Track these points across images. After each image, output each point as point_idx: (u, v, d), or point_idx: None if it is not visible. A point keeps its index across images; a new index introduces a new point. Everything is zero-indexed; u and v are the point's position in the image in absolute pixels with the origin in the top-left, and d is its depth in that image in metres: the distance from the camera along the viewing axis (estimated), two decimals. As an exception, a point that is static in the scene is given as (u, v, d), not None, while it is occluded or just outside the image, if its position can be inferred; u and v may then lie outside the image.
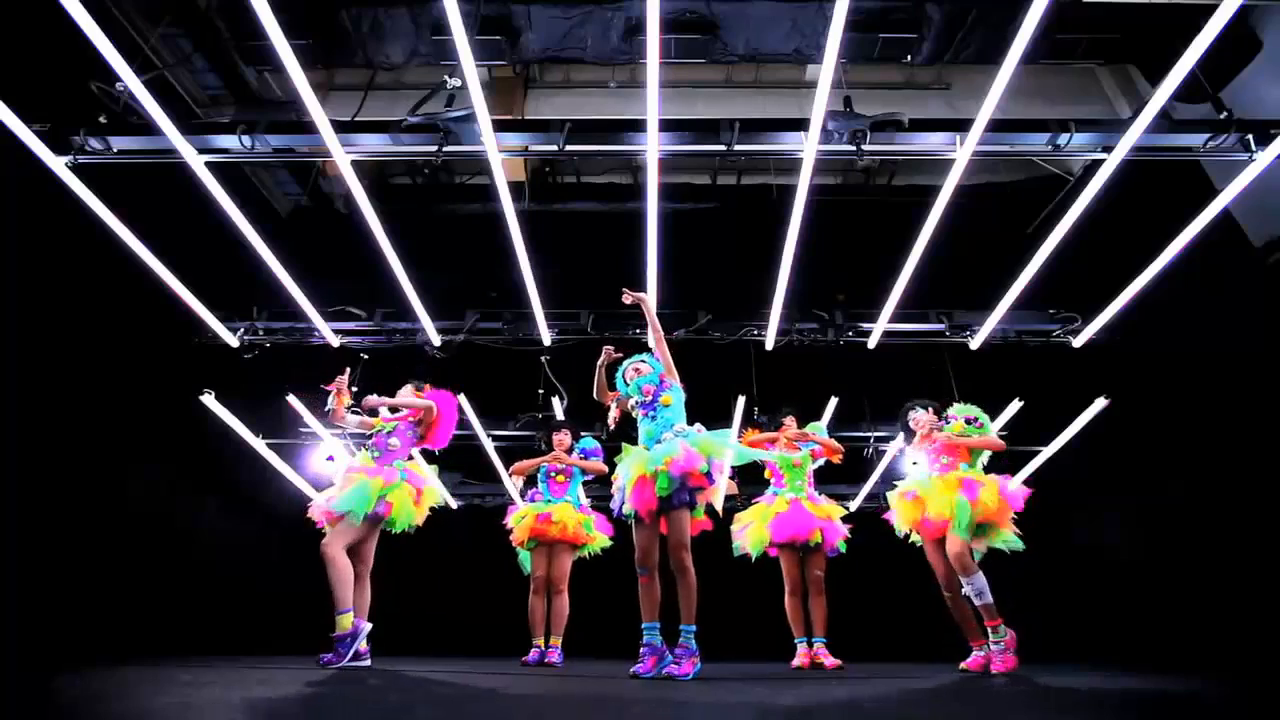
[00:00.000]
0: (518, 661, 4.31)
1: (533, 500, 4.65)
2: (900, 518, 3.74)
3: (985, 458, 3.80)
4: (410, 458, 3.77)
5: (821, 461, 4.71)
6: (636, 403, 3.34)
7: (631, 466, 3.09)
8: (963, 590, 3.46)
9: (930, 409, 3.94)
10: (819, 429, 4.84)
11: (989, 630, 3.41)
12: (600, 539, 4.57)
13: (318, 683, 2.40)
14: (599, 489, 5.59)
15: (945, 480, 3.57)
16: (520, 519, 4.49)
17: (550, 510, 4.44)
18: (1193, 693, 2.40)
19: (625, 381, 3.46)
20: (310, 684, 2.34)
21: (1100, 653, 6.16)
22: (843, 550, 4.45)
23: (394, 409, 3.79)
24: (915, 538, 3.78)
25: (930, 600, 3.88)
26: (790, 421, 4.72)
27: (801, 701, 2.03)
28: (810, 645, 4.42)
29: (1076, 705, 2.03)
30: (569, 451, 4.70)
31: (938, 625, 4.06)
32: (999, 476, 3.62)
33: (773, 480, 4.68)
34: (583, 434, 4.89)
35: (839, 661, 4.32)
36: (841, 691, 2.40)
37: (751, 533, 4.48)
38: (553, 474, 4.63)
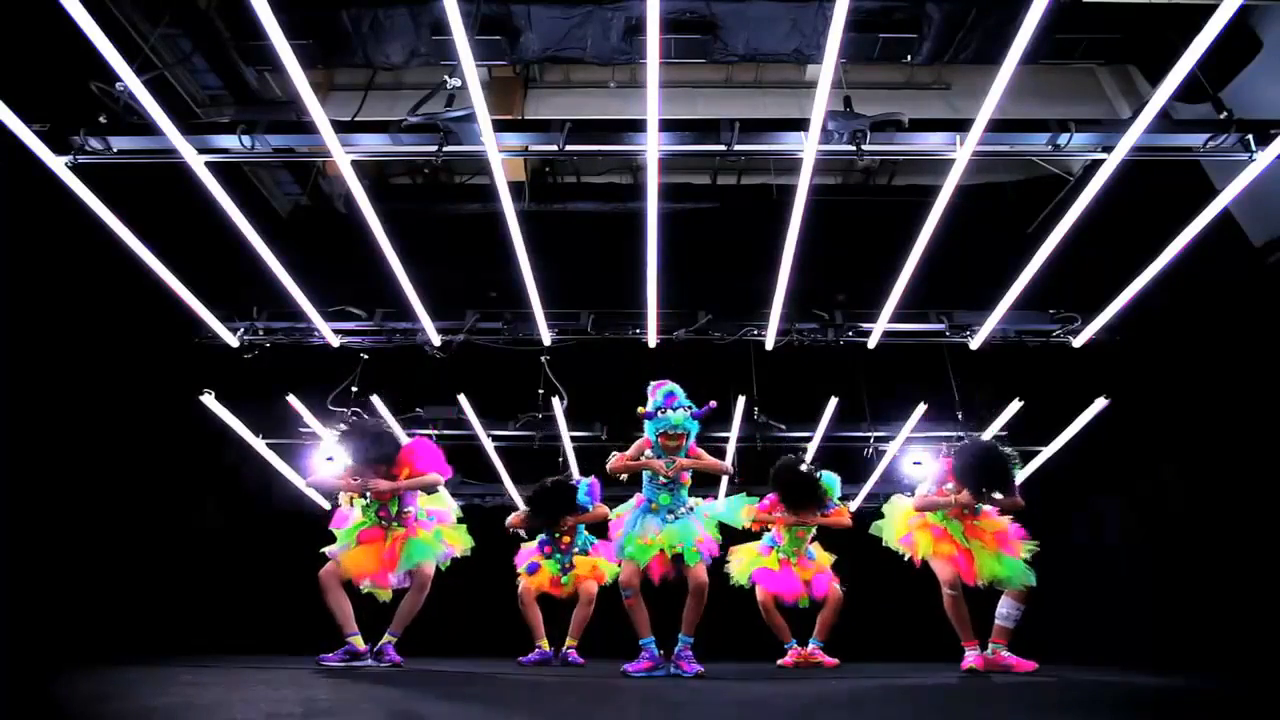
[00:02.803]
0: (515, 661, 4.33)
1: (542, 548, 4.67)
2: (919, 548, 3.68)
3: None
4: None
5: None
6: (660, 479, 3.45)
7: (655, 538, 3.30)
8: (1000, 607, 3.53)
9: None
10: (830, 486, 4.66)
11: (995, 645, 3.52)
12: (611, 569, 4.57)
13: (318, 683, 2.40)
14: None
15: (982, 539, 3.61)
16: (530, 565, 4.58)
17: (562, 574, 4.54)
18: (1193, 692, 2.40)
19: (658, 443, 3.45)
20: (310, 684, 2.34)
21: (1100, 653, 6.16)
22: (838, 592, 4.57)
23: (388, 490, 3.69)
24: (914, 554, 3.79)
25: (930, 600, 3.89)
26: (811, 510, 4.56)
27: (802, 701, 2.03)
28: (805, 645, 4.49)
29: (1077, 704, 2.03)
30: (572, 532, 4.71)
31: (938, 625, 4.07)
32: (1004, 520, 3.72)
33: (771, 533, 4.70)
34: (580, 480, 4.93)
35: (836, 660, 4.36)
36: (842, 691, 2.40)
37: (739, 569, 4.63)
38: (556, 535, 4.67)
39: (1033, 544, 3.67)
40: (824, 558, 4.66)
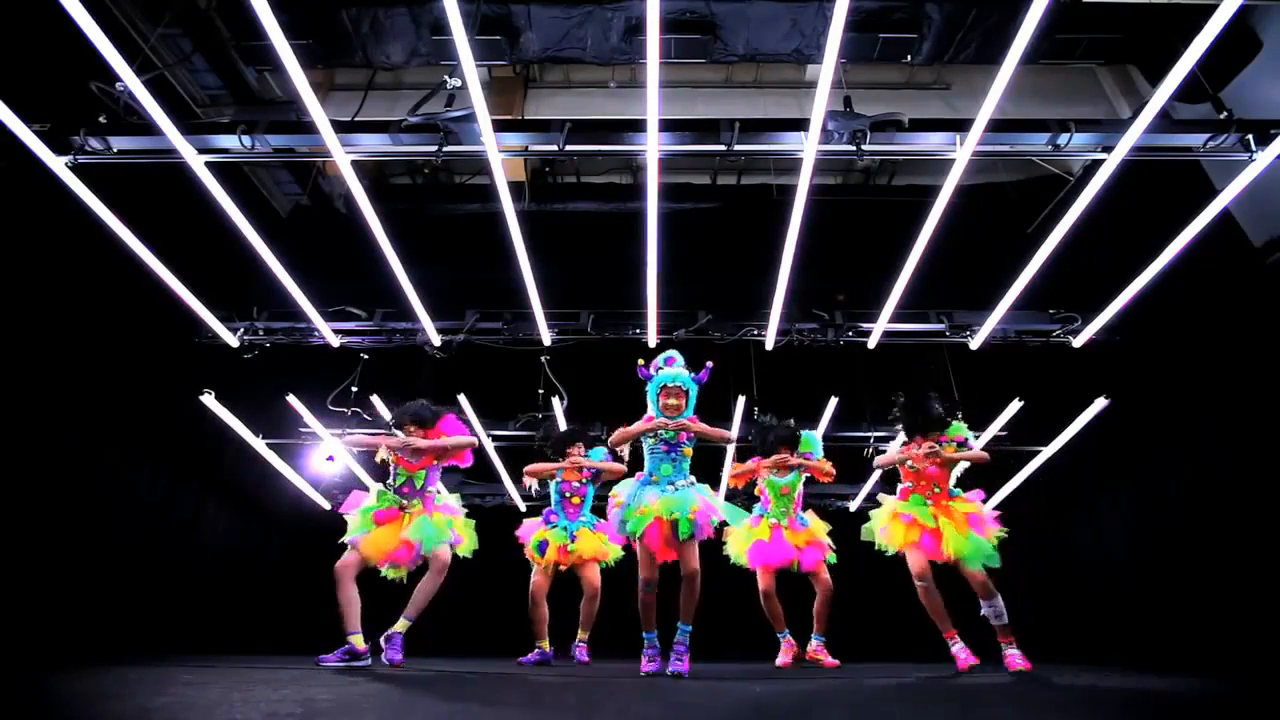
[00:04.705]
0: (516, 661, 4.31)
1: (549, 520, 4.56)
2: (893, 538, 3.73)
3: (962, 467, 3.95)
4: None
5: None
6: (659, 438, 3.42)
7: (651, 505, 3.24)
8: (982, 611, 3.53)
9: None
10: (811, 442, 4.75)
11: (1003, 644, 3.48)
12: (615, 550, 4.54)
13: (318, 682, 2.40)
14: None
15: (952, 518, 3.64)
16: (538, 543, 4.46)
17: (569, 540, 4.43)
18: (1193, 691, 2.40)
19: (660, 405, 3.43)
20: (310, 684, 2.34)
21: (1100, 653, 6.17)
22: (832, 561, 4.53)
23: (416, 452, 3.84)
24: (890, 546, 3.79)
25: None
26: (784, 453, 4.61)
27: (802, 701, 2.03)
28: (805, 642, 4.47)
29: (1077, 704, 2.03)
30: (581, 494, 4.65)
31: (932, 623, 4.09)
32: (977, 502, 3.78)
33: (760, 501, 4.69)
34: (595, 445, 4.85)
35: (837, 661, 4.35)
36: (842, 690, 2.40)
37: (733, 548, 4.59)
38: (567, 494, 4.57)
39: (1002, 530, 3.69)
40: (818, 525, 4.62)
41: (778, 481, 4.59)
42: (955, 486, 3.86)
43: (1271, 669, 3.89)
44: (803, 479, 4.69)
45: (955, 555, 3.53)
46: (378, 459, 3.84)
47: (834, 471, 4.62)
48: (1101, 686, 2.64)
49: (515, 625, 4.66)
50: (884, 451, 7.01)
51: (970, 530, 3.59)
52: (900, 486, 3.94)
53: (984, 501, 3.91)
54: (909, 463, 3.84)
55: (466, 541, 3.89)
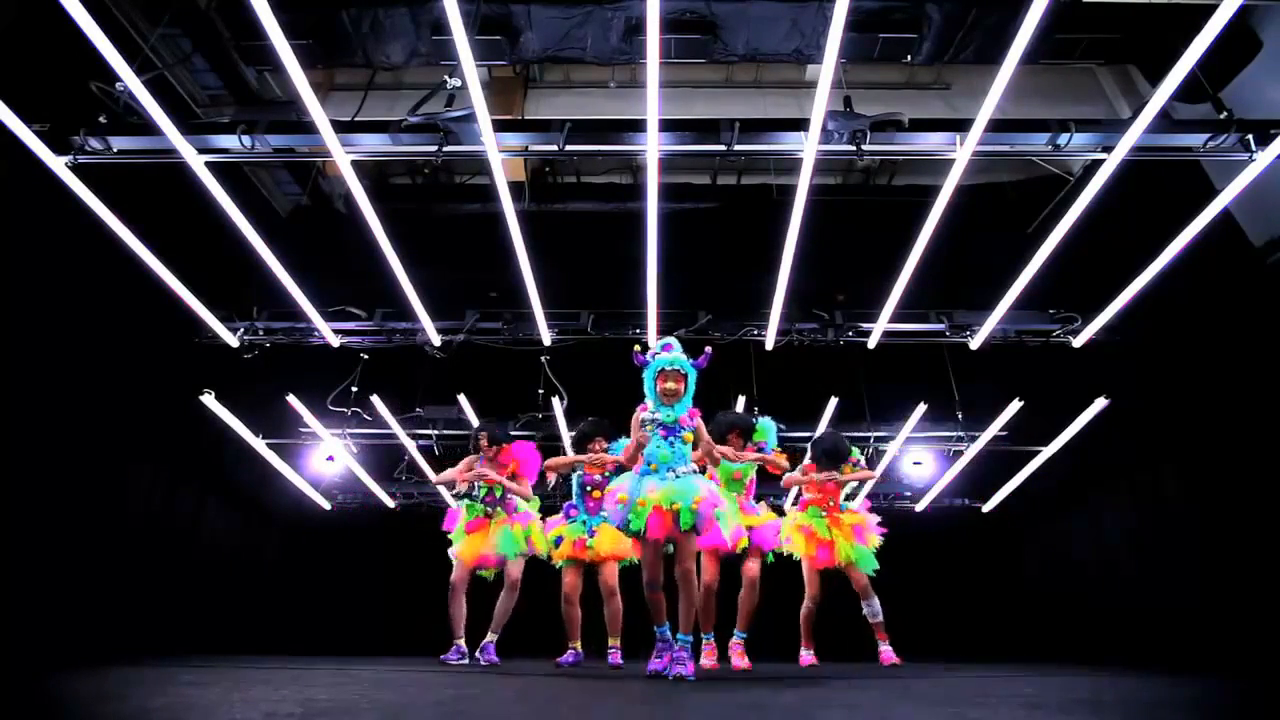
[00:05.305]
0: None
1: (569, 515, 4.48)
2: (795, 546, 4.40)
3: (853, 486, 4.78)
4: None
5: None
6: (657, 423, 3.21)
7: (650, 495, 3.00)
8: (863, 611, 4.27)
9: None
10: (766, 430, 4.53)
11: (880, 641, 4.26)
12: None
13: (318, 682, 2.40)
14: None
15: (841, 529, 4.38)
16: (554, 539, 4.41)
17: (588, 536, 4.34)
18: (1194, 691, 2.40)
19: (658, 391, 3.22)
20: (310, 684, 2.34)
21: (1101, 653, 6.17)
22: (771, 560, 4.41)
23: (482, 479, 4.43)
24: (796, 553, 4.42)
25: (917, 602, 3.92)
26: (734, 438, 4.35)
27: (801, 702, 2.03)
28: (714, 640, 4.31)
29: (1077, 704, 2.03)
30: (601, 488, 4.56)
31: (932, 623, 4.10)
32: (862, 513, 4.56)
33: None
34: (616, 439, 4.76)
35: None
36: (841, 692, 2.40)
37: None
38: (588, 488, 4.46)
39: (879, 537, 4.45)
40: (769, 514, 4.52)
41: (730, 467, 4.43)
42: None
43: (1272, 669, 3.89)
44: (755, 468, 4.51)
45: (845, 561, 4.28)
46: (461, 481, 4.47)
47: (787, 465, 4.51)
48: (1102, 687, 2.64)
49: (519, 623, 4.63)
50: (884, 452, 7.06)
51: (855, 540, 4.33)
52: (801, 499, 4.57)
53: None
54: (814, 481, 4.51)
55: (540, 548, 4.47)
